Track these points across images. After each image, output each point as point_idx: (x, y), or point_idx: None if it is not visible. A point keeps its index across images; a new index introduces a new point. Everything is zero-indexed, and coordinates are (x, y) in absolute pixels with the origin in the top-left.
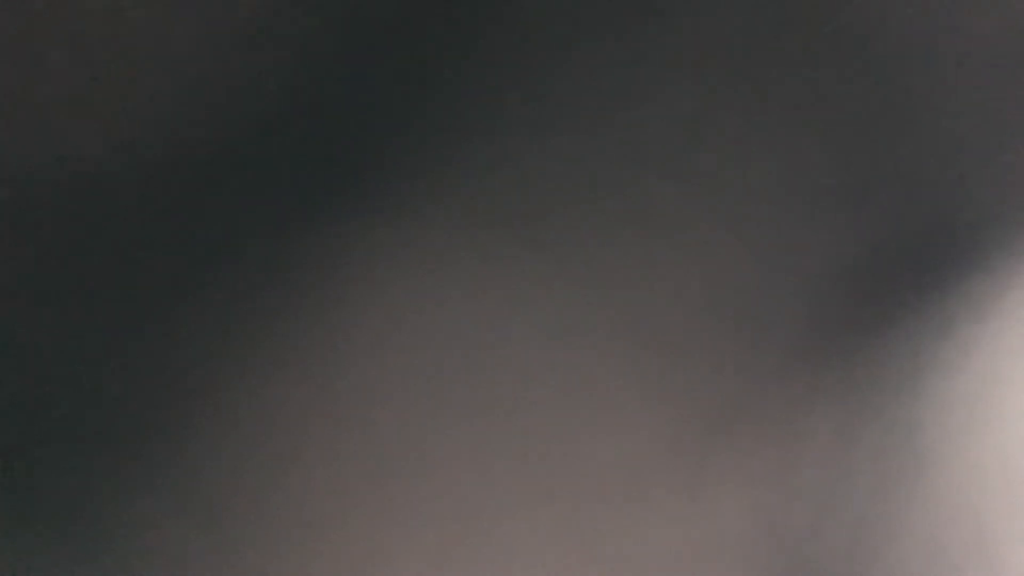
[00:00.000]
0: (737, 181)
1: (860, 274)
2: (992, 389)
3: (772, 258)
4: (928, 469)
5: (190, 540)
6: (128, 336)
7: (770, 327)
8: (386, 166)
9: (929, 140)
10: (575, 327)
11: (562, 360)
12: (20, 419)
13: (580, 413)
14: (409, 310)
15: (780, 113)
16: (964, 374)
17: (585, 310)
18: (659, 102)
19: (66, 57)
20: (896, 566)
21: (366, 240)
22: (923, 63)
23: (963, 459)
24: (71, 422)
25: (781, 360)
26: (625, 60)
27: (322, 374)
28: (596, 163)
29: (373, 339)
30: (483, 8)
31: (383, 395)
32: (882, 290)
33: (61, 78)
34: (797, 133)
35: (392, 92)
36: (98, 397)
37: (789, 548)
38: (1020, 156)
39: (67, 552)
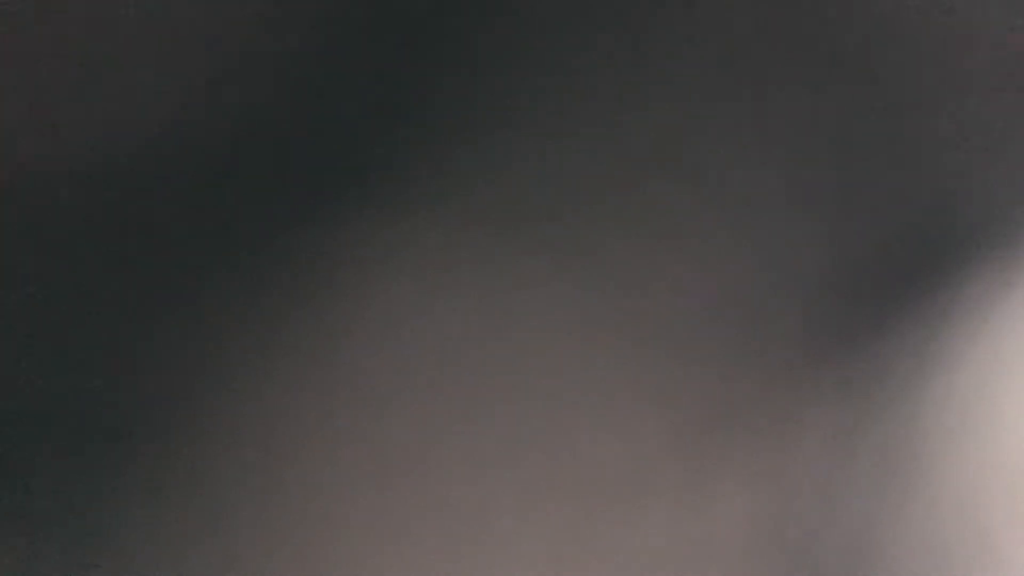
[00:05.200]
0: (738, 183)
1: (860, 274)
2: (990, 387)
3: (773, 259)
4: (927, 467)
5: (191, 540)
6: (129, 336)
7: (771, 327)
8: (385, 166)
9: (928, 142)
10: (576, 326)
11: (562, 359)
12: (21, 420)
13: (581, 412)
14: (410, 309)
15: (781, 117)
16: (962, 372)
17: (586, 309)
18: (661, 105)
19: (69, 55)
20: (897, 563)
21: (366, 240)
22: (922, 67)
23: (962, 456)
24: (72, 422)
25: (782, 359)
26: (628, 62)
27: (323, 373)
28: (597, 164)
29: (374, 338)
30: (483, 8)
31: (384, 393)
32: (881, 290)
33: (64, 77)
34: (798, 136)
35: (391, 92)
36: (98, 397)
37: (790, 545)
38: (1018, 156)
39: (69, 552)
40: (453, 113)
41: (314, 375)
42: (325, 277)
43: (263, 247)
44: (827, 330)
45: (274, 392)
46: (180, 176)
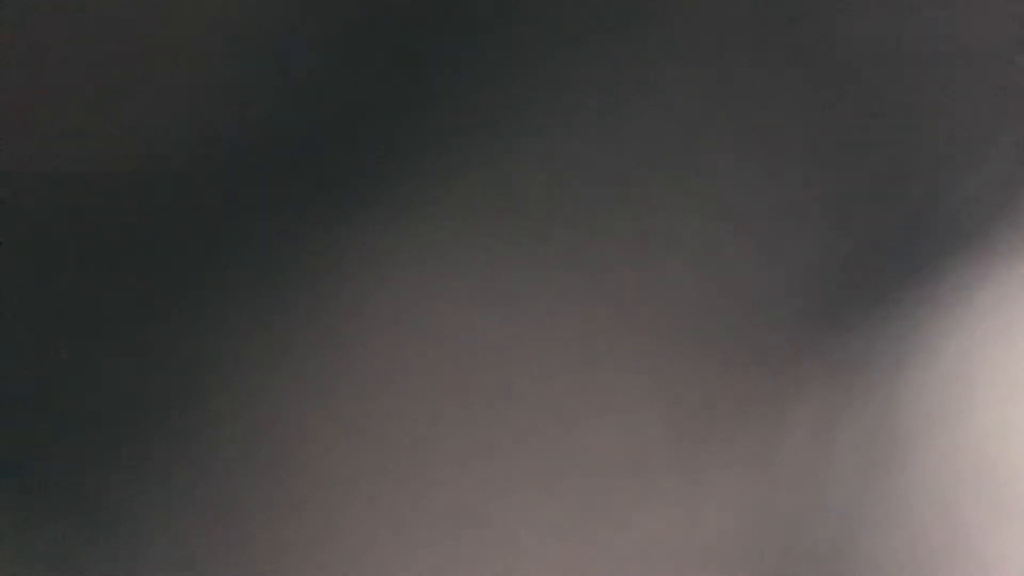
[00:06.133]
0: (733, 185)
1: (844, 269)
2: (969, 377)
3: (762, 255)
4: (908, 456)
5: (196, 535)
6: (133, 333)
7: (760, 320)
8: (388, 164)
9: (912, 148)
10: (575, 320)
11: (563, 353)
12: (28, 416)
13: (580, 404)
14: (411, 307)
15: (773, 115)
16: (942, 363)
17: (585, 304)
18: (660, 103)
19: (74, 59)
20: (877, 549)
21: (368, 237)
22: (907, 81)
23: (942, 445)
24: (78, 418)
25: (771, 352)
26: (629, 68)
27: (326, 370)
28: (597, 161)
29: (379, 333)
30: (485, 8)
31: (389, 387)
32: (866, 287)
33: (68, 79)
34: (790, 141)
35: (393, 91)
36: (104, 393)
37: (778, 530)
38: (998, 152)
39: (75, 545)
40: (459, 113)
41: (320, 369)
42: (328, 274)
43: (270, 243)
44: (813, 325)
45: (281, 385)
46: (185, 174)
